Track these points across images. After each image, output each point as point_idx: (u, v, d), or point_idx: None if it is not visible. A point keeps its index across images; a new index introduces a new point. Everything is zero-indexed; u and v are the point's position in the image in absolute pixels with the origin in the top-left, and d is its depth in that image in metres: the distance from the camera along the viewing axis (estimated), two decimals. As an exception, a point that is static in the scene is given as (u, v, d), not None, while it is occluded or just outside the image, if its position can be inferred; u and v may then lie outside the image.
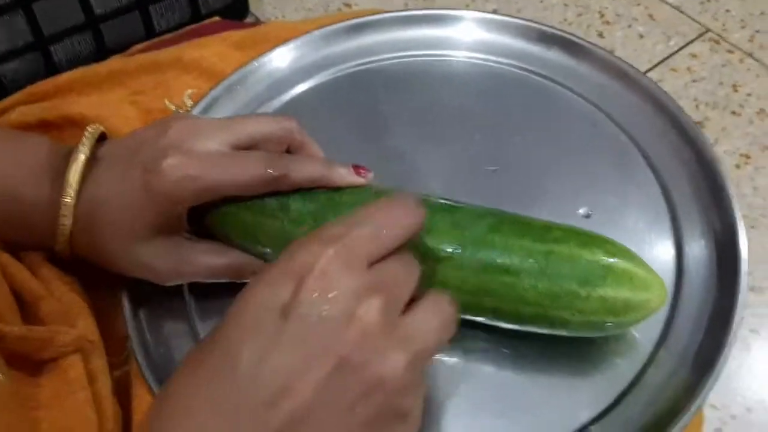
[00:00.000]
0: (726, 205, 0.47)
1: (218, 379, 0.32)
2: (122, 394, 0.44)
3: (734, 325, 0.43)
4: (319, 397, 0.31)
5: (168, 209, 0.41)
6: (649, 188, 0.49)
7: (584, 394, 0.42)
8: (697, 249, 0.47)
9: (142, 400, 0.44)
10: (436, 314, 0.34)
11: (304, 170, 0.41)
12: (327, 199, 0.42)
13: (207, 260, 0.43)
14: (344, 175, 0.42)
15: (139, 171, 0.40)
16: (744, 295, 0.43)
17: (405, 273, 0.35)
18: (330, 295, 0.32)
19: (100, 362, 0.42)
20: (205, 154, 0.41)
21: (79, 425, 0.40)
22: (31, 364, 0.41)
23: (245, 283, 0.34)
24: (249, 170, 0.41)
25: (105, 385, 0.42)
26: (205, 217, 0.43)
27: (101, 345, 0.43)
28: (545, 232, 0.40)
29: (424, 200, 0.40)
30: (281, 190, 0.42)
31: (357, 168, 0.42)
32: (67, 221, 0.41)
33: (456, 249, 0.39)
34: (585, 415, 0.41)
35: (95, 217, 0.41)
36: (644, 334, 0.44)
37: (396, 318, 0.33)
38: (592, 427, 0.41)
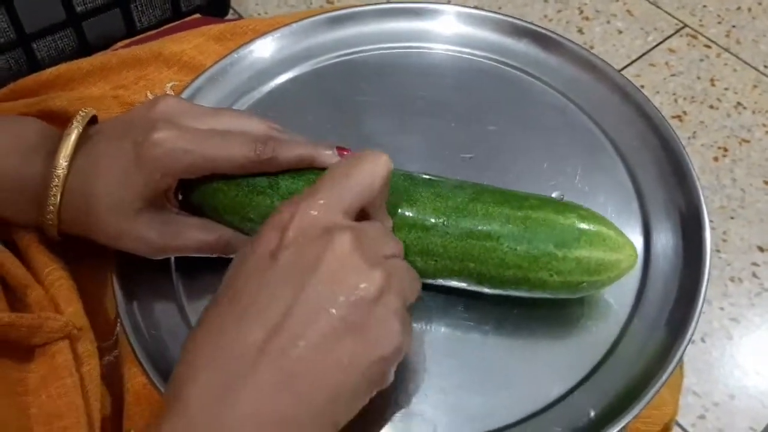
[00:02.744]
0: (690, 186, 0.49)
1: (227, 322, 0.34)
2: (112, 377, 0.44)
3: (704, 284, 0.45)
4: (312, 310, 0.34)
5: (157, 181, 0.41)
6: (617, 173, 0.51)
7: (564, 364, 0.44)
8: (664, 227, 0.49)
9: (134, 381, 0.45)
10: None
11: (291, 151, 0.43)
12: (316, 177, 0.43)
13: (196, 234, 0.44)
14: (330, 156, 0.43)
15: (130, 143, 0.41)
16: (708, 266, 0.46)
17: (379, 232, 0.38)
18: (308, 234, 0.35)
19: (89, 347, 0.43)
20: (195, 130, 0.42)
21: (67, 410, 0.40)
22: (19, 349, 0.42)
23: (231, 261, 0.37)
24: (238, 149, 0.42)
25: (94, 369, 0.43)
26: (193, 192, 0.44)
27: (89, 330, 0.44)
28: (522, 200, 0.42)
29: (407, 176, 0.43)
30: (269, 171, 0.43)
31: (341, 149, 0.44)
32: (56, 192, 0.42)
33: (439, 218, 0.41)
34: (565, 384, 0.43)
35: (86, 189, 0.42)
36: (619, 300, 0.46)
37: (372, 254, 0.36)
38: (576, 393, 0.43)
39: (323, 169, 0.43)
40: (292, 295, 0.34)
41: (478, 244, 0.41)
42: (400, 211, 0.42)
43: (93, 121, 0.45)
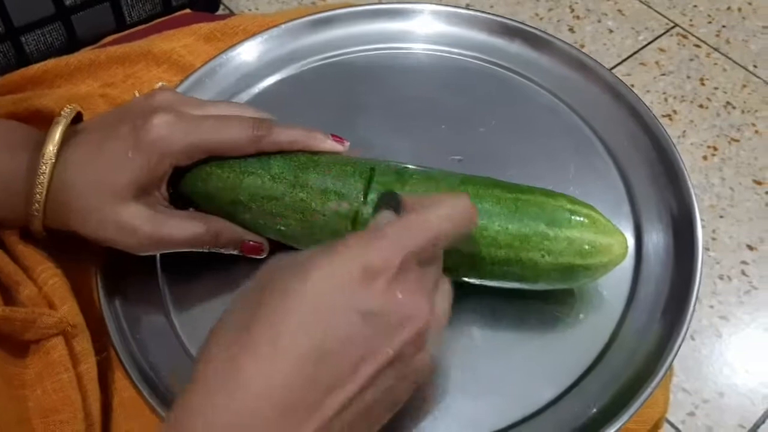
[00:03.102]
0: (682, 187, 0.49)
1: (287, 363, 0.31)
2: (101, 378, 0.44)
3: (695, 285, 0.45)
4: (373, 388, 0.33)
5: (155, 164, 0.41)
6: (608, 173, 0.51)
7: (556, 367, 0.44)
8: (656, 228, 0.49)
9: (120, 384, 0.44)
10: (446, 299, 0.37)
11: (286, 132, 0.43)
12: (307, 158, 0.44)
13: (185, 225, 0.43)
14: (323, 139, 0.44)
15: (128, 128, 0.41)
16: (700, 267, 0.46)
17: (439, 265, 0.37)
18: (398, 295, 0.33)
19: (85, 345, 0.43)
20: (193, 115, 0.42)
21: (63, 405, 0.41)
22: (14, 345, 0.42)
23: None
24: (236, 128, 0.42)
25: (91, 368, 0.43)
26: (185, 180, 0.44)
27: (85, 329, 0.44)
28: (512, 185, 0.43)
29: (398, 163, 0.43)
30: (264, 151, 0.43)
31: (334, 136, 0.44)
32: (44, 179, 0.41)
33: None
34: (557, 388, 0.43)
35: (76, 176, 0.41)
36: (610, 302, 0.46)
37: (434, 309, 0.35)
38: (568, 396, 0.43)
39: (315, 153, 0.44)
40: (357, 370, 0.32)
41: None
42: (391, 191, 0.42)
43: (78, 119, 0.45)
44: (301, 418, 0.31)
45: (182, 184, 0.44)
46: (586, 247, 0.41)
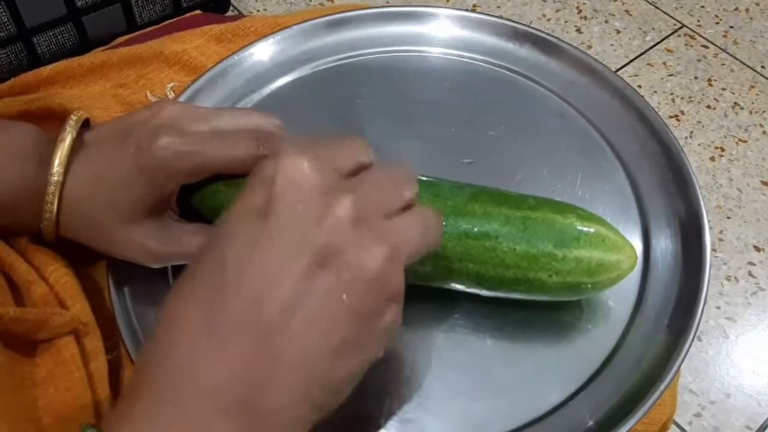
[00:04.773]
0: (690, 193, 0.49)
1: (208, 287, 0.32)
2: (112, 377, 0.44)
3: (704, 290, 0.45)
4: (304, 288, 0.31)
5: (160, 186, 0.41)
6: (617, 179, 0.51)
7: (563, 370, 0.44)
8: (664, 233, 0.49)
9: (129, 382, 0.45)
10: (417, 218, 0.35)
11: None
12: None
13: (195, 240, 0.43)
14: None
15: (133, 149, 0.41)
16: (708, 272, 0.46)
17: (388, 183, 0.35)
18: (302, 193, 0.32)
19: (96, 344, 0.43)
20: (198, 133, 0.42)
21: (74, 404, 0.41)
22: (25, 343, 0.42)
23: None
24: (241, 146, 0.42)
25: (102, 366, 0.43)
26: (193, 197, 0.44)
27: (96, 328, 0.44)
28: (521, 200, 0.42)
29: None
30: None
31: None
32: (53, 199, 0.41)
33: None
34: (565, 391, 0.43)
35: (86, 197, 0.42)
36: (618, 306, 0.46)
37: (375, 220, 0.33)
38: (576, 399, 0.43)
39: None
40: (281, 273, 0.31)
41: (477, 244, 0.41)
42: None
43: (86, 123, 0.45)
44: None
45: (191, 200, 0.45)
46: (595, 265, 0.41)
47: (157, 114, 0.42)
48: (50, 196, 0.41)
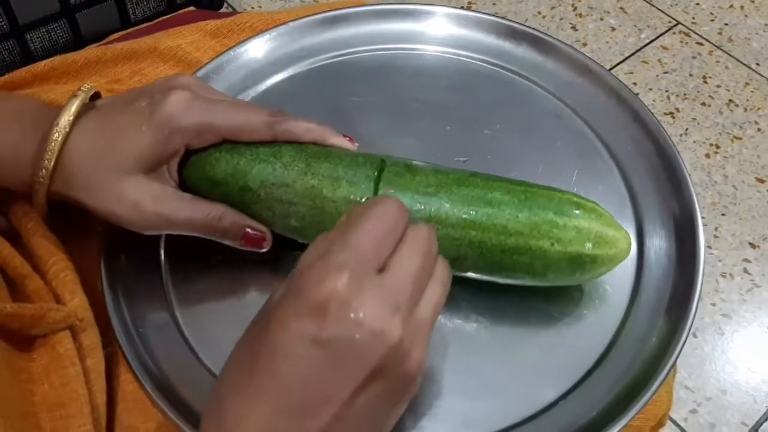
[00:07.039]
0: (685, 193, 0.50)
1: (266, 402, 0.33)
2: (107, 372, 0.44)
3: (697, 289, 0.45)
4: (354, 402, 0.33)
5: (165, 140, 0.42)
6: (612, 178, 0.52)
7: (557, 367, 0.44)
8: (658, 233, 0.49)
9: (123, 378, 0.45)
10: (439, 278, 0.36)
11: (301, 123, 0.44)
12: (318, 149, 0.44)
13: (189, 205, 0.43)
14: (334, 134, 0.45)
15: (145, 102, 0.42)
16: (702, 271, 0.46)
17: (419, 259, 0.35)
18: (354, 318, 0.32)
19: (93, 340, 0.43)
20: (209, 98, 0.43)
21: (69, 399, 0.41)
22: (22, 338, 0.42)
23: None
24: (251, 113, 0.43)
25: (99, 362, 0.43)
26: (194, 164, 0.44)
27: (94, 323, 0.44)
28: (519, 180, 0.44)
29: (408, 164, 0.44)
30: (277, 139, 0.44)
31: (345, 136, 0.45)
32: (54, 146, 0.41)
33: (441, 187, 0.42)
34: (559, 388, 0.43)
35: (86, 146, 0.42)
36: (612, 305, 0.46)
37: (411, 310, 0.34)
38: (570, 397, 0.43)
39: (326, 146, 0.44)
40: (336, 392, 0.32)
41: (480, 211, 0.42)
42: (402, 181, 0.42)
43: (95, 98, 0.45)
44: None
45: (190, 170, 0.44)
46: (594, 236, 0.41)
47: (173, 79, 0.44)
48: (52, 143, 0.41)
